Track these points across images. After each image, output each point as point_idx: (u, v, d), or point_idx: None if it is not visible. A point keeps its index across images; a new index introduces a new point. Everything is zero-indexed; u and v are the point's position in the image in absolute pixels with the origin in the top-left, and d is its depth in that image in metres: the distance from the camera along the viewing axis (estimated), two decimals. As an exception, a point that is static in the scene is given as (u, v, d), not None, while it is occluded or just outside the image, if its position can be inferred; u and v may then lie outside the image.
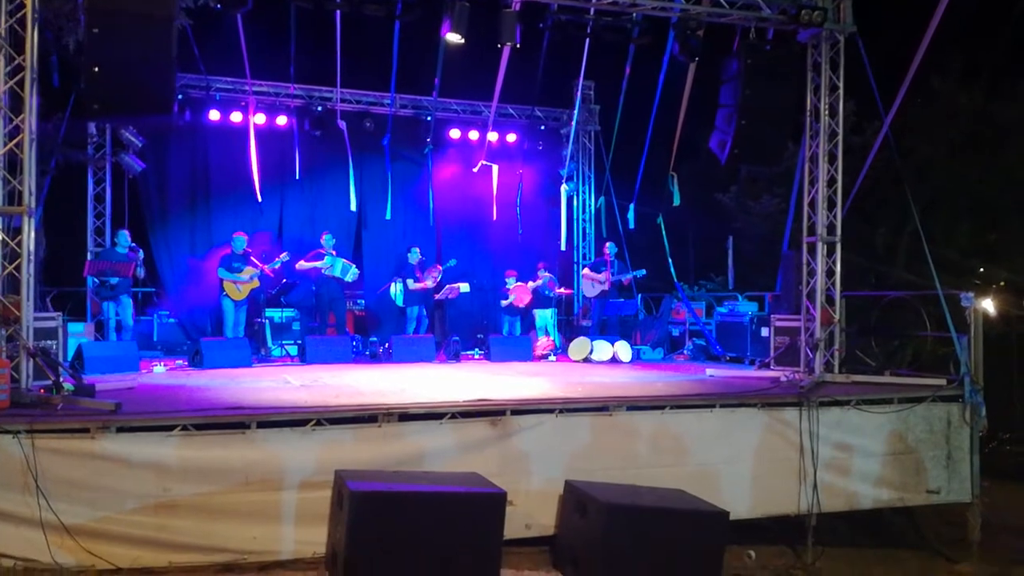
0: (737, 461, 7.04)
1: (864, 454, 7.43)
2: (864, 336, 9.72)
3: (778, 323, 9.77)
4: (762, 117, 8.73)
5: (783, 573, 6.91)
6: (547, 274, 12.23)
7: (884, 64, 9.14)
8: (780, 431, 7.20)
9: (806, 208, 9.10)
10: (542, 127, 13.57)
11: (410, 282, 11.54)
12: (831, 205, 8.97)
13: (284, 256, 10.97)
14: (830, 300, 8.93)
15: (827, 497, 7.18)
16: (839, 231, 8.95)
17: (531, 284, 12.14)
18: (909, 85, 9.29)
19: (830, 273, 8.96)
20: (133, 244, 10.21)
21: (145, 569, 5.35)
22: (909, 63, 9.18)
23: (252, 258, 10.76)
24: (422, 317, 11.70)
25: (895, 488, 7.51)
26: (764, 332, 10.21)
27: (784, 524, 7.30)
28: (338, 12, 9.08)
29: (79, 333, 9.31)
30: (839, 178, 8.93)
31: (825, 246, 8.94)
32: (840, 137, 8.93)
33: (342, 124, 12.13)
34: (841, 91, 8.89)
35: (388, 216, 12.71)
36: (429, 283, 11.61)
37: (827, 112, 8.91)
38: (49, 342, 7.16)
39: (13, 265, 6.42)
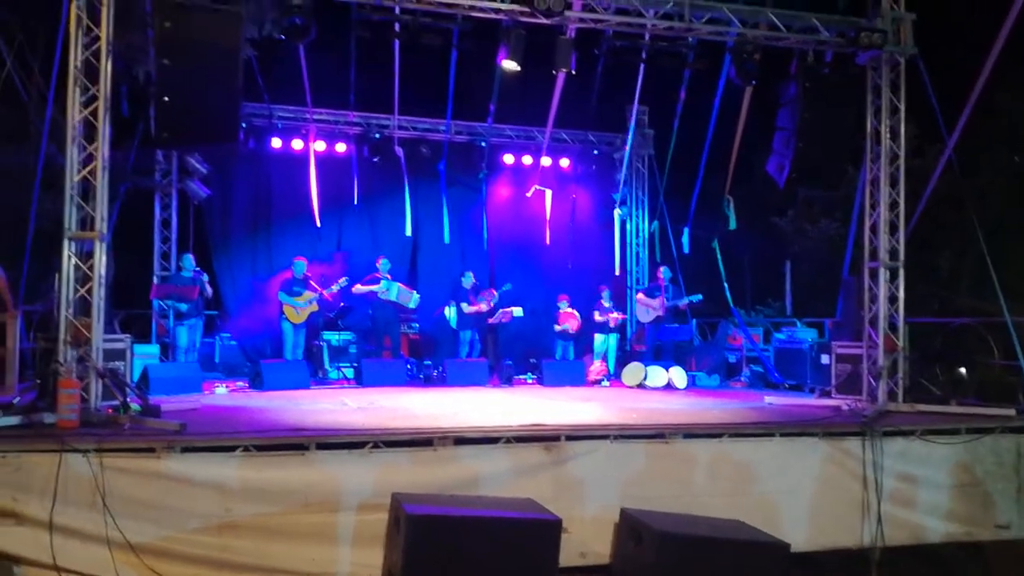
0: (797, 492, 6.88)
1: (930, 486, 7.20)
2: (929, 364, 9.45)
3: (839, 350, 9.55)
4: (821, 140, 8.64)
5: (846, 607, 6.72)
6: (609, 303, 12.12)
7: (946, 84, 8.97)
8: (842, 461, 7.02)
9: (867, 232, 8.93)
10: (595, 152, 13.59)
11: (464, 306, 11.62)
12: (893, 229, 8.78)
13: (343, 281, 11.15)
14: (893, 327, 8.71)
15: (891, 530, 6.97)
16: (902, 256, 8.75)
17: (598, 316, 12.02)
18: (972, 106, 9.09)
19: (893, 299, 8.75)
20: (197, 268, 10.50)
21: (205, 587, 5.44)
22: (972, 82, 9.00)
23: (311, 282, 10.97)
24: (475, 341, 11.76)
25: (962, 522, 7.25)
26: (825, 359, 9.99)
27: (846, 558, 7.08)
28: (396, 41, 9.26)
29: (146, 355, 9.57)
30: (901, 202, 8.76)
31: (888, 271, 8.75)
32: (902, 160, 8.76)
33: (399, 150, 12.34)
34: (902, 113, 8.74)
35: (447, 240, 12.81)
36: (484, 307, 11.68)
37: (888, 134, 8.75)
38: (117, 363, 7.36)
39: (85, 288, 6.65)
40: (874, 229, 8.87)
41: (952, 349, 10.04)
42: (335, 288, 11.05)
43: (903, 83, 8.71)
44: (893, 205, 8.78)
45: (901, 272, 8.74)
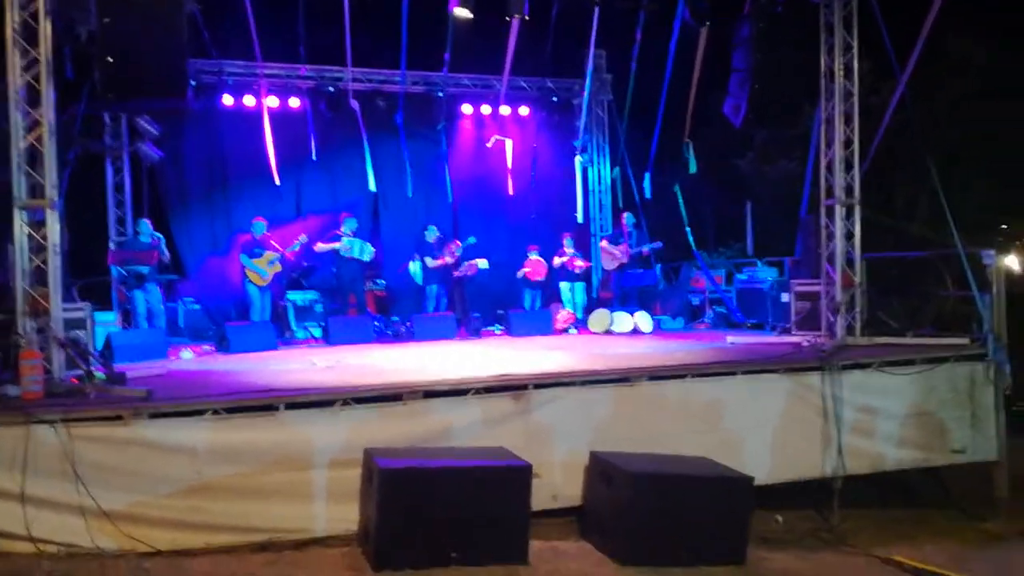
0: (761, 427, 7.09)
1: (888, 416, 7.45)
2: (886, 297, 9.67)
3: (799, 288, 9.74)
4: (776, 80, 8.71)
5: (810, 536, 6.96)
6: (571, 250, 12.21)
7: (898, 22, 9.01)
8: (803, 396, 7.23)
9: (823, 171, 9.04)
10: (554, 99, 13.48)
11: (428, 260, 11.59)
12: (848, 167, 8.90)
13: (302, 238, 11.04)
14: (850, 263, 8.89)
15: (852, 460, 7.22)
16: (857, 193, 8.89)
17: (556, 260, 12.14)
18: (924, 42, 9.15)
19: (849, 236, 8.91)
20: (154, 232, 10.32)
21: (184, 551, 5.47)
22: (923, 20, 9.04)
23: (272, 242, 10.84)
24: (441, 295, 11.77)
25: (920, 448, 7.54)
26: (785, 298, 10.19)
27: (810, 488, 7.34)
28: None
29: (106, 323, 9.45)
30: (856, 139, 8.86)
31: (843, 208, 8.89)
32: (856, 98, 8.83)
33: (354, 104, 12.11)
34: (855, 50, 8.77)
35: (410, 194, 12.66)
36: (448, 259, 11.66)
37: (842, 73, 8.80)
38: (78, 332, 7.27)
39: (40, 258, 6.51)
40: (830, 167, 8.97)
41: (908, 282, 10.27)
42: (295, 247, 10.94)
43: (855, 21, 8.72)
44: (848, 143, 8.88)
45: (857, 209, 8.89)
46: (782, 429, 7.14)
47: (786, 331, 9.70)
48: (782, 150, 15.57)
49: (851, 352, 7.90)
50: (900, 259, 10.16)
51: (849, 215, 8.91)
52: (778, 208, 14.94)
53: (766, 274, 11.47)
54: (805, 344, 8.43)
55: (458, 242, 11.81)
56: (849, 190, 8.90)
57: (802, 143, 12.89)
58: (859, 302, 8.88)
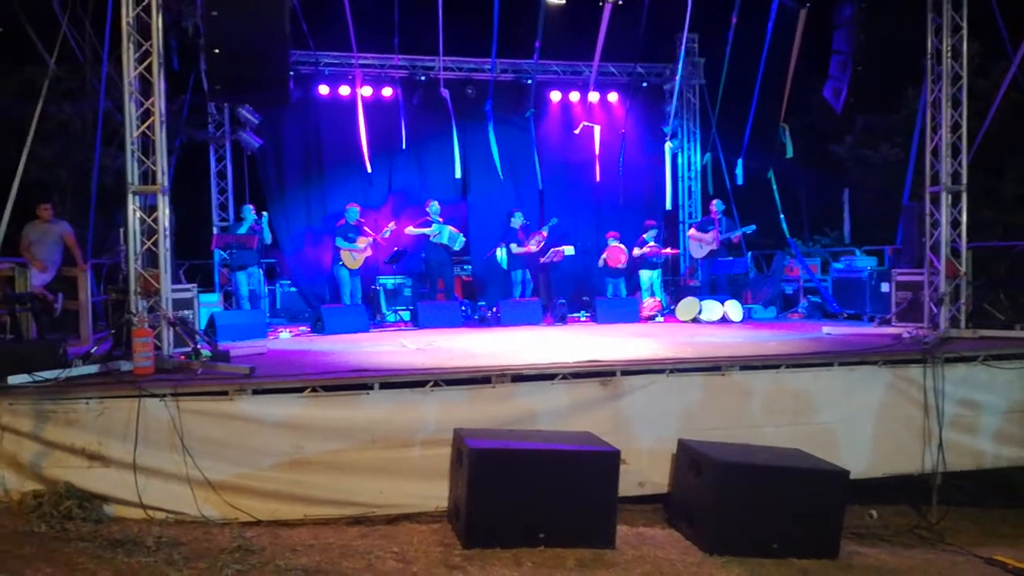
0: (857, 420, 6.89)
1: (992, 411, 7.15)
2: (992, 289, 9.23)
3: (900, 277, 9.39)
4: (879, 62, 8.35)
5: (906, 532, 6.74)
6: (652, 240, 12.09)
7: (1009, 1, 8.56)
8: (903, 389, 6.99)
9: (928, 156, 8.66)
10: (644, 84, 13.35)
11: (513, 247, 11.68)
12: (955, 152, 8.51)
13: (392, 225, 11.30)
14: (955, 252, 8.51)
15: (952, 456, 6.96)
16: (964, 179, 8.50)
17: (636, 251, 12.05)
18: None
19: (955, 224, 8.53)
20: (256, 216, 10.71)
21: (282, 521, 5.70)
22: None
23: (365, 227, 11.13)
24: (527, 281, 11.84)
25: (1024, 446, 7.19)
26: (884, 287, 9.84)
27: (907, 484, 7.12)
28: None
29: (210, 303, 9.88)
30: (963, 123, 8.47)
31: (950, 196, 8.51)
32: (964, 80, 8.44)
33: (445, 92, 12.29)
34: (964, 31, 8.38)
35: (501, 178, 12.75)
36: (533, 247, 11.71)
37: (949, 54, 8.41)
38: (186, 312, 7.64)
39: (151, 241, 6.86)
40: (935, 153, 8.60)
41: (1017, 274, 9.78)
42: (387, 232, 11.20)
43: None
44: (955, 127, 8.49)
45: (964, 196, 8.51)
46: (879, 423, 6.93)
47: (885, 322, 9.37)
48: (883, 135, 14.97)
49: (954, 345, 7.59)
50: (1008, 249, 9.66)
51: (955, 202, 8.53)
52: (878, 195, 14.42)
53: (864, 263, 11.08)
54: (906, 336, 8.12)
55: (544, 232, 11.83)
56: (956, 176, 8.52)
57: (904, 128, 12.42)
58: (964, 293, 8.51)
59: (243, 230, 10.47)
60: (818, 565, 5.64)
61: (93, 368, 6.36)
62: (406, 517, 5.90)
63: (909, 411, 6.99)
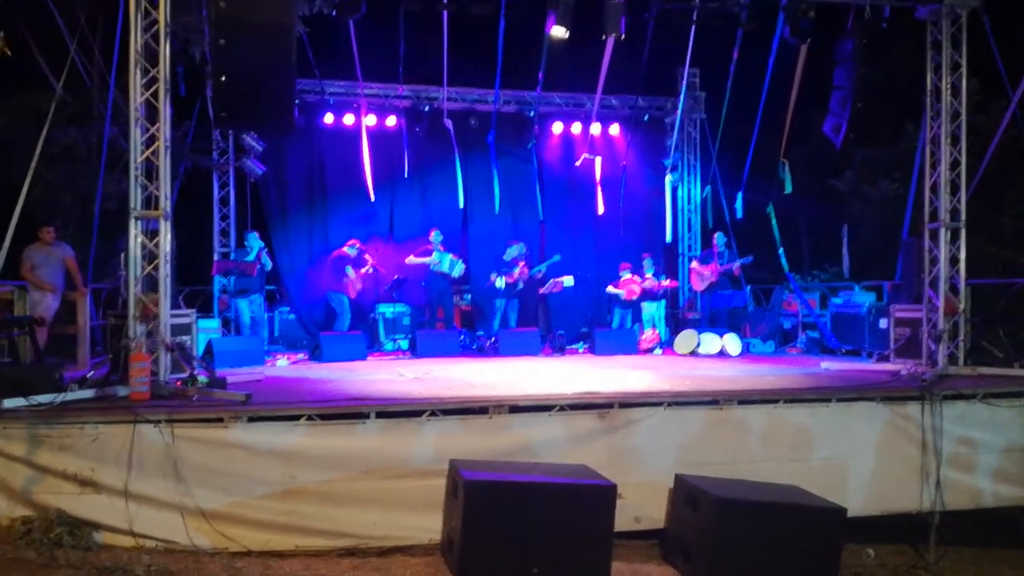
0: (855, 457, 6.85)
1: (991, 450, 7.10)
2: (991, 327, 9.22)
3: (898, 314, 9.38)
4: (879, 98, 8.39)
5: (904, 572, 6.67)
6: (650, 272, 12.09)
7: (1009, 39, 8.63)
8: (901, 426, 6.95)
9: (927, 192, 8.70)
10: (645, 117, 13.44)
11: (499, 280, 11.64)
12: (954, 189, 8.54)
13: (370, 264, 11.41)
14: (954, 289, 8.51)
15: (951, 494, 6.90)
16: (963, 216, 8.52)
17: (645, 283, 12.02)
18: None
19: (954, 260, 8.54)
20: (261, 244, 10.73)
21: (274, 552, 5.66)
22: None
23: (366, 256, 11.18)
24: (510, 310, 11.81)
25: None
26: (883, 323, 9.83)
27: (905, 522, 7.04)
28: (445, 12, 9.26)
29: (208, 329, 9.87)
30: (963, 160, 8.51)
31: (948, 232, 8.53)
32: (963, 117, 8.49)
33: (448, 123, 12.38)
34: (964, 69, 8.45)
35: (497, 211, 12.82)
36: (501, 283, 11.64)
37: (949, 91, 8.48)
38: (184, 337, 7.61)
39: (151, 266, 6.87)
40: (934, 189, 8.64)
41: (1016, 312, 9.78)
42: (369, 270, 11.30)
43: (964, 38, 8.42)
44: (954, 164, 8.53)
45: (962, 233, 8.52)
46: (877, 460, 6.89)
47: (884, 358, 9.34)
48: (883, 170, 15.05)
49: (953, 382, 7.56)
50: (1007, 286, 9.66)
51: (954, 239, 8.55)
52: (877, 230, 14.47)
53: (863, 298, 11.08)
54: (904, 372, 8.10)
55: (524, 267, 11.78)
56: (955, 213, 8.54)
57: (903, 164, 12.49)
58: (963, 330, 8.49)
59: (251, 257, 10.49)
60: (815, 604, 5.58)
61: (89, 393, 6.35)
62: (399, 550, 5.85)
63: (907, 448, 6.94)
